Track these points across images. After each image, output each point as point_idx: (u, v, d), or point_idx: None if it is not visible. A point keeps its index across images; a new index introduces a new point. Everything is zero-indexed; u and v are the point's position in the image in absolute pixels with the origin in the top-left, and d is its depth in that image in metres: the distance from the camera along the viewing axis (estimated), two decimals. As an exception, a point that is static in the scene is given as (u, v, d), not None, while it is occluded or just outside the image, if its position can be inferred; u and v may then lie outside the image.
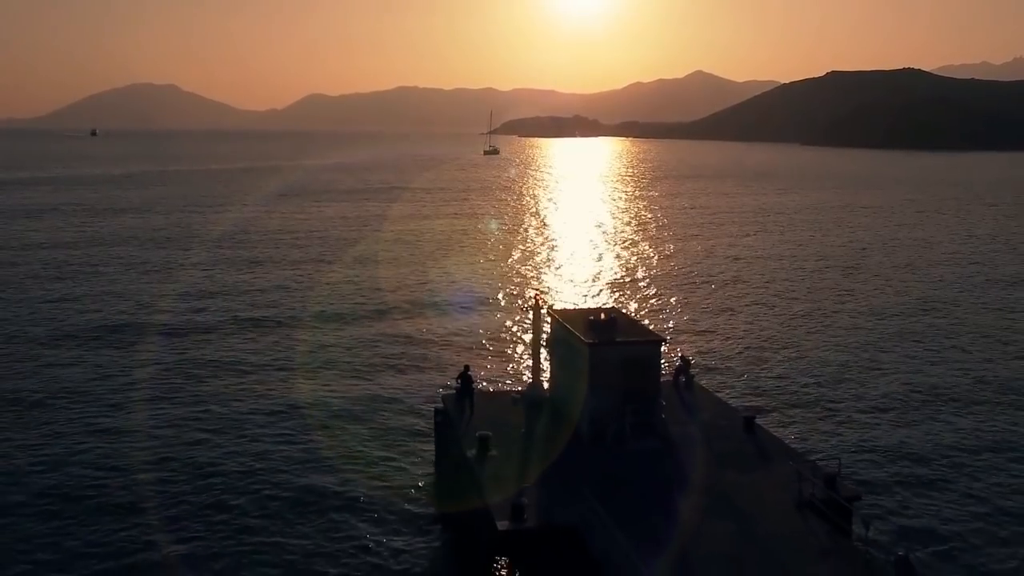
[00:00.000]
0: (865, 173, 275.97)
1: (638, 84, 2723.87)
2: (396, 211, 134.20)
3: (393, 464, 33.00)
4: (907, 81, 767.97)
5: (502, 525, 23.29)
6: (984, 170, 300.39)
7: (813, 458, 29.27)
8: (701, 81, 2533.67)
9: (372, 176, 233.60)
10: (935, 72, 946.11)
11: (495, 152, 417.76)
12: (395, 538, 27.24)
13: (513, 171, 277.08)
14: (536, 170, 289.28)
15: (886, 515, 28.63)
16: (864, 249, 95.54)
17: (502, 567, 24.07)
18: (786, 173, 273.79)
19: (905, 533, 27.50)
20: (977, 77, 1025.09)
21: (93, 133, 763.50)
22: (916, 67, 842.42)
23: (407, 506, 29.51)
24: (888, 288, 72.35)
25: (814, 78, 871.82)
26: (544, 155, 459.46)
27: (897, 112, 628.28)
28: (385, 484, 31.09)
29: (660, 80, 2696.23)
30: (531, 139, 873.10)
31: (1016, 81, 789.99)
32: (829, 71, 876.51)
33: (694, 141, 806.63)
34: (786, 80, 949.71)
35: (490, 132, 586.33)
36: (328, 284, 70.15)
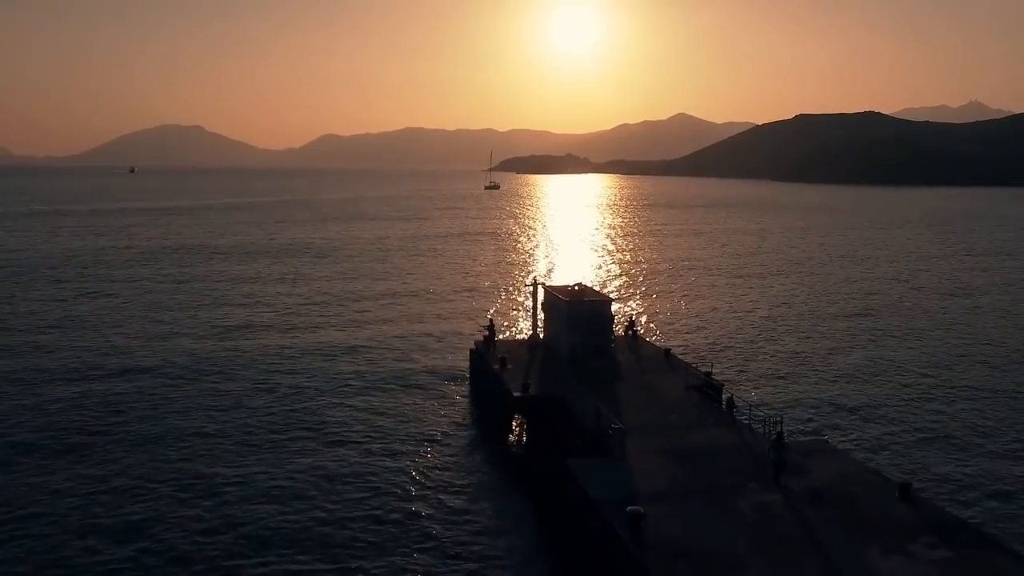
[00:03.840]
0: (812, 203, 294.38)
1: (625, 125, 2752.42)
2: (422, 231, 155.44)
3: (441, 381, 48.64)
4: (868, 123, 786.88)
5: (516, 393, 38.44)
6: (922, 202, 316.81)
7: (702, 369, 44.29)
8: (683, 122, 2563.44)
9: (392, 206, 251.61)
10: (896, 115, 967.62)
11: (496, 187, 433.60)
12: (444, 418, 42.36)
13: (513, 202, 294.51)
14: (533, 201, 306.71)
15: (740, 391, 43.98)
16: (779, 252, 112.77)
17: (515, 420, 39.22)
18: (746, 202, 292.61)
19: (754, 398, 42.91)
20: (936, 119, 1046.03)
21: (132, 170, 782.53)
22: (877, 110, 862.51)
23: (451, 401, 45.03)
24: (782, 273, 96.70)
25: (783, 120, 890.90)
26: (539, 190, 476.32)
27: (858, 151, 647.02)
28: (436, 390, 46.70)
29: (645, 121, 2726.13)
30: (527, 176, 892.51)
31: (970, 123, 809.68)
32: (797, 113, 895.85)
33: (676, 177, 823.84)
34: (761, 122, 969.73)
35: (490, 169, 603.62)
36: (385, 277, 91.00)
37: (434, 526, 29.49)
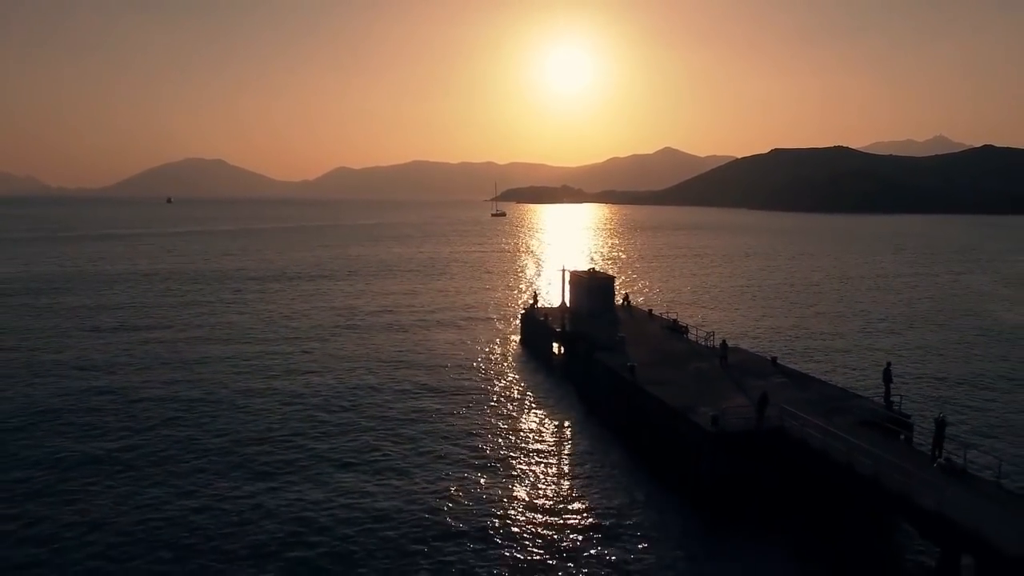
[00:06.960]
0: (781, 227, 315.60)
1: (615, 159, 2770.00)
2: (457, 247, 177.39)
3: (501, 333, 69.05)
4: (838, 156, 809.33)
5: (557, 329, 58.84)
6: (868, 227, 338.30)
7: (672, 317, 64.59)
8: (669, 156, 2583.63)
9: (420, 230, 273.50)
10: (865, 149, 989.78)
11: (502, 215, 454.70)
12: (505, 355, 62.72)
13: (520, 227, 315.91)
14: (538, 226, 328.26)
15: (693, 325, 64.40)
16: (739, 256, 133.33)
17: (556, 347, 59.70)
18: (722, 226, 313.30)
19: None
20: (904, 153, 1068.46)
21: (168, 200, 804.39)
22: (846, 145, 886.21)
23: (508, 343, 65.52)
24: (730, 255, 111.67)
25: (760, 154, 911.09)
26: (541, 217, 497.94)
27: (828, 182, 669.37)
28: (498, 338, 67.13)
29: (634, 155, 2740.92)
30: (527, 205, 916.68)
31: (933, 156, 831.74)
32: (773, 148, 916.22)
33: (663, 207, 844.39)
34: (740, 155, 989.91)
35: (495, 199, 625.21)
36: (446, 278, 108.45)
37: (509, 400, 49.81)
